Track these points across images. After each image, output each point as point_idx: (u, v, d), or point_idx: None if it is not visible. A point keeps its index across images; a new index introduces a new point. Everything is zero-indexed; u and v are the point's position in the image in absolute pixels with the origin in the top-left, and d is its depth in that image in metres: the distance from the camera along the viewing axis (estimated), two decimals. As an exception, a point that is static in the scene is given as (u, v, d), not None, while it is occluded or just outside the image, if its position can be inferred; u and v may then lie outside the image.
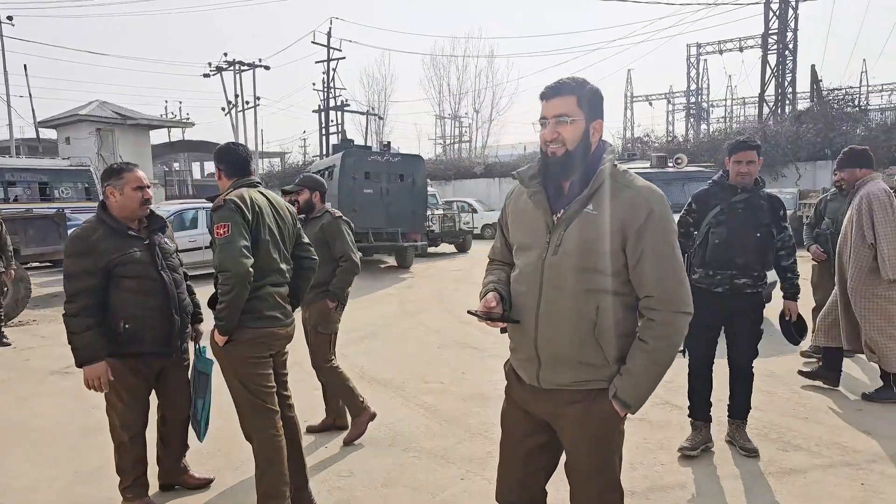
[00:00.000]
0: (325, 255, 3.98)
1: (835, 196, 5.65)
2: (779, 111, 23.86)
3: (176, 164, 44.52)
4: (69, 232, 3.13)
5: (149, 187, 3.10)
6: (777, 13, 23.92)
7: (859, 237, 4.46)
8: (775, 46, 24.50)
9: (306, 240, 3.25)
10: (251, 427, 2.92)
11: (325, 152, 33.98)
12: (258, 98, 33.92)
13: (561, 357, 1.90)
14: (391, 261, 15.01)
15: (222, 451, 3.99)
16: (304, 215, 4.16)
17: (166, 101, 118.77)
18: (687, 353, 3.85)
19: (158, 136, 37.64)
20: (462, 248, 17.60)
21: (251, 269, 2.72)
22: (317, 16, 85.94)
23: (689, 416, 3.88)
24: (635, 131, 38.78)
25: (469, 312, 1.99)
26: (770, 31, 24.48)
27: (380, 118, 38.97)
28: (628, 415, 1.93)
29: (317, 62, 33.59)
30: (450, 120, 44.78)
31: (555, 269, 1.87)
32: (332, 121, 35.13)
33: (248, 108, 33.71)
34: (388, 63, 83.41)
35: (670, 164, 8.47)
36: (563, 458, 2.08)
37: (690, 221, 3.85)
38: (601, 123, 1.90)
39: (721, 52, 37.13)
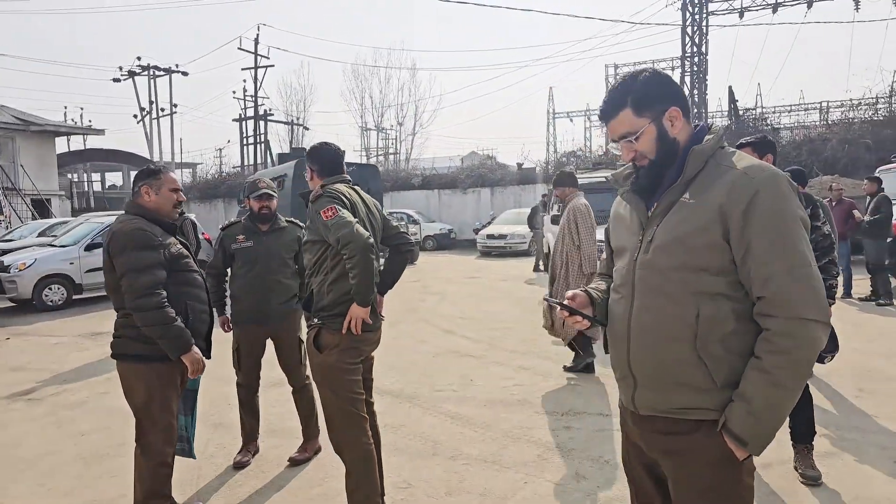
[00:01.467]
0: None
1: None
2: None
3: (73, 175, 41.51)
4: (120, 227, 2.91)
5: (182, 190, 3.10)
6: (693, 38, 25.50)
7: (570, 241, 5.48)
8: (691, 69, 26.09)
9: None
10: (342, 437, 2.80)
11: (254, 162, 32.80)
12: (175, 105, 32.42)
13: (657, 376, 1.60)
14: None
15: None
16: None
17: (66, 107, 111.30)
18: (830, 358, 3.52)
19: (60, 145, 35.17)
20: (411, 260, 17.49)
21: (371, 241, 2.70)
22: (236, 23, 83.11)
23: None
24: (559, 146, 40.11)
25: (546, 299, 1.93)
26: (685, 55, 26.05)
27: (306, 129, 38.16)
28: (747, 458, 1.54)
29: (243, 69, 32.51)
30: (375, 132, 44.62)
31: (647, 269, 1.61)
32: (253, 131, 34.04)
33: (164, 116, 32.16)
34: (307, 73, 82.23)
35: (637, 174, 8.78)
36: None
37: None
38: (677, 110, 1.61)
39: (636, 72, 39.15)
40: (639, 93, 1.62)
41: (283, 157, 16.01)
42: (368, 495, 2.79)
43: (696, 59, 25.84)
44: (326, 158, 2.95)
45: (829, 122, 22.49)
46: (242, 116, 36.15)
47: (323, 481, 3.65)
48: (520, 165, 25.65)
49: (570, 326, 1.80)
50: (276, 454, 4.04)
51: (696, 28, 25.46)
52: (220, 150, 45.80)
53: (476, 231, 20.60)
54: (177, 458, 3.06)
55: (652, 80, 1.63)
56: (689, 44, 25.78)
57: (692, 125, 1.67)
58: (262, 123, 33.55)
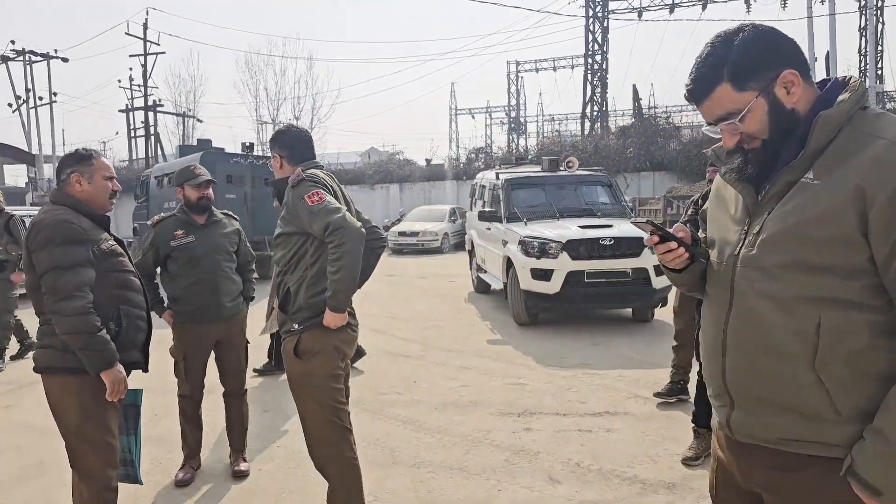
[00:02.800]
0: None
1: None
2: (597, 126, 26.43)
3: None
4: (42, 218, 2.46)
5: (116, 178, 2.72)
6: (597, 37, 26.46)
7: None
8: (592, 67, 27.10)
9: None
10: (327, 453, 2.53)
11: (145, 155, 30.56)
12: (55, 94, 29.69)
13: (759, 397, 1.31)
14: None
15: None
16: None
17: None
18: None
19: None
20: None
21: (364, 231, 2.48)
22: (122, 6, 77.23)
23: (692, 422, 3.80)
24: (461, 143, 40.51)
25: (633, 221, 1.56)
26: (588, 53, 27.02)
27: (199, 121, 36.05)
28: None
29: (131, 55, 30.29)
30: (271, 125, 43.08)
31: (752, 266, 1.30)
32: (142, 122, 31.69)
33: (43, 105, 29.38)
34: (197, 62, 77.93)
35: (562, 168, 8.88)
36: None
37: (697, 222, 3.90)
38: (792, 73, 1.27)
39: (537, 70, 40.28)
40: (737, 61, 1.27)
41: (185, 150, 14.90)
42: None
43: (597, 58, 26.83)
44: (295, 142, 2.67)
45: None
46: (130, 107, 33.70)
47: (280, 496, 3.32)
48: (428, 161, 25.64)
49: (664, 259, 1.46)
50: (224, 468, 3.70)
51: (598, 26, 26.41)
52: (105, 142, 42.52)
53: (386, 228, 20.31)
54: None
55: (754, 40, 1.28)
56: (592, 42, 26.72)
57: (815, 86, 1.33)
58: (151, 115, 31.37)
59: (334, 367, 2.53)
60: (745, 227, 1.35)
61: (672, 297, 5.03)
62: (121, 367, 2.47)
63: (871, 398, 1.20)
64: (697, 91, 1.33)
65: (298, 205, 2.44)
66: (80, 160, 2.58)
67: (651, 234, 1.44)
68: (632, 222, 1.49)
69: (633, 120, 24.57)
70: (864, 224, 1.17)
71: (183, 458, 3.64)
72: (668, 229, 1.46)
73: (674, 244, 1.42)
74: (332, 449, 2.52)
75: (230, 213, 3.87)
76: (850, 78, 1.32)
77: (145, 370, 2.72)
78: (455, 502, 3.24)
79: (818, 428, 1.24)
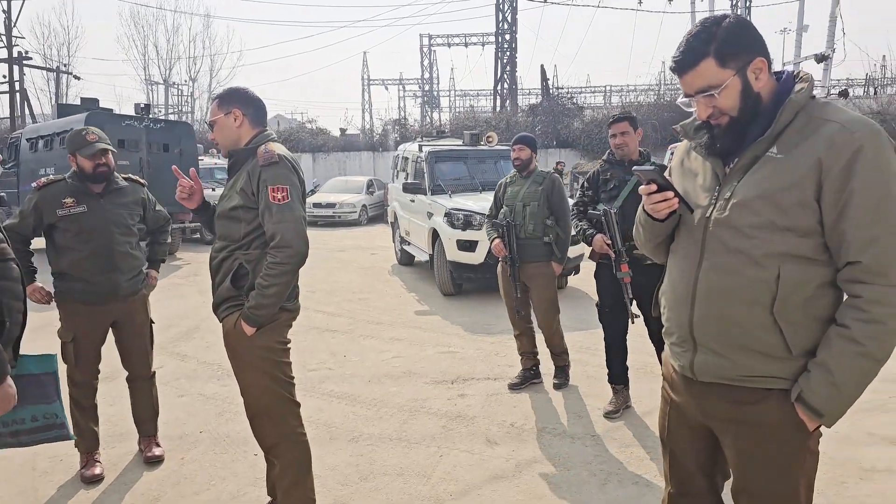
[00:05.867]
0: None
1: (514, 179, 4.60)
2: (507, 104, 26.82)
3: None
4: None
5: None
6: (507, 16, 26.69)
7: None
8: (502, 45, 27.36)
9: None
10: (279, 430, 2.43)
11: (10, 115, 27.19)
12: None
13: (725, 340, 1.49)
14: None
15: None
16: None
17: None
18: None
19: None
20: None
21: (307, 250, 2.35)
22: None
23: (609, 381, 4.04)
24: (374, 114, 39.86)
25: (636, 169, 1.57)
26: (499, 31, 27.24)
27: (76, 78, 32.92)
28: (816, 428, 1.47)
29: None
30: (164, 87, 40.32)
31: (723, 227, 1.47)
32: (4, 77, 27.45)
33: None
34: (71, 12, 71.14)
35: (482, 143, 8.94)
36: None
37: (586, 201, 3.96)
38: (763, 61, 1.45)
39: (449, 45, 40.14)
40: (724, 41, 1.43)
41: (65, 109, 13.39)
42: (307, 492, 2.49)
43: (507, 36, 27.11)
44: (257, 102, 2.46)
45: (624, 105, 25.27)
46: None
47: (210, 484, 3.19)
48: (343, 131, 25.10)
49: (655, 207, 1.55)
50: (137, 459, 3.44)
51: (507, 6, 26.62)
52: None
53: (301, 200, 19.76)
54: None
55: (737, 27, 1.46)
56: (502, 20, 26.93)
57: (774, 76, 1.52)
58: (17, 69, 27.41)
59: (284, 339, 2.46)
60: (716, 194, 1.53)
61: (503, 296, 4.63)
62: (11, 383, 1.96)
63: (814, 338, 1.43)
64: (685, 62, 1.47)
65: (262, 189, 2.28)
66: None
67: (648, 183, 1.54)
68: (635, 170, 1.57)
69: (541, 99, 25.11)
70: (819, 191, 1.39)
71: (81, 454, 3.29)
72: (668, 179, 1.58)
73: (670, 193, 1.53)
74: (284, 425, 2.43)
75: (136, 178, 3.47)
76: (800, 71, 1.53)
77: (13, 366, 2.33)
78: (397, 472, 3.25)
79: (774, 365, 1.45)
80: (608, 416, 3.87)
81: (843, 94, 17.74)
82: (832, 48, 15.81)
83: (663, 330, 1.69)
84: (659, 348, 3.86)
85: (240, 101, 2.42)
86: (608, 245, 3.62)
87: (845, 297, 1.43)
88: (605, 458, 3.32)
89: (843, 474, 3.06)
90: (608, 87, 40.67)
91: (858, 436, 3.47)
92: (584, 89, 32.43)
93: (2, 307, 2.05)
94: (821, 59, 15.96)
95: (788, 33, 30.11)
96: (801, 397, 1.41)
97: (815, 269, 1.42)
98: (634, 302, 3.62)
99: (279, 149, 2.37)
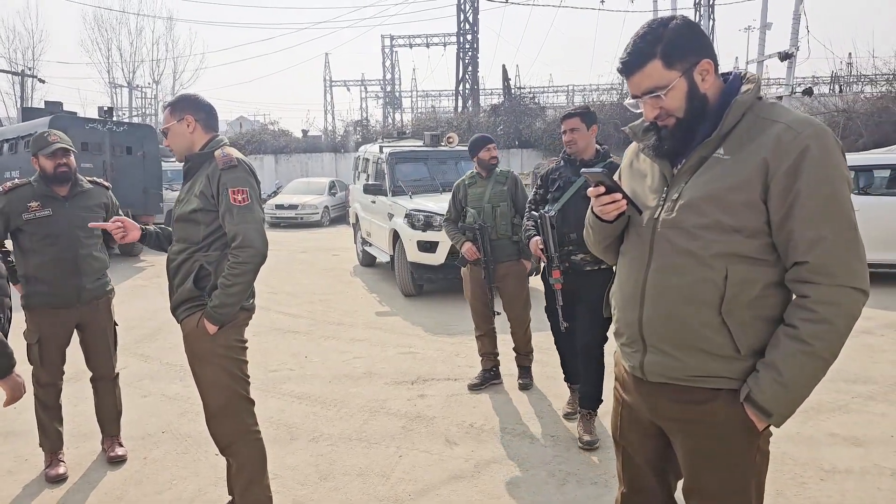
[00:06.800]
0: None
1: (474, 180, 4.55)
2: (469, 104, 26.96)
3: None
4: None
5: None
6: (468, 17, 26.80)
7: None
8: (463, 46, 27.49)
9: None
10: (234, 429, 2.48)
11: None
12: None
13: (673, 341, 1.49)
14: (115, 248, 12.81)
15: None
16: None
17: None
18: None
19: None
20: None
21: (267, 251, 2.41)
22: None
23: (565, 380, 4.03)
24: (337, 115, 39.61)
25: (584, 171, 1.56)
26: (460, 31, 27.36)
27: (41, 81, 32.21)
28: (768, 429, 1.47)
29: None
30: (127, 89, 39.51)
31: (671, 228, 1.48)
32: None
33: None
34: (35, 17, 69.53)
35: (443, 144, 9.01)
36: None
37: (538, 199, 3.81)
38: (709, 62, 1.46)
39: (411, 46, 40.13)
40: (670, 42, 1.44)
41: (29, 113, 13.27)
42: (264, 490, 2.54)
43: (468, 37, 27.25)
44: (209, 107, 2.52)
45: (587, 104, 25.59)
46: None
47: (172, 483, 3.19)
48: (305, 133, 24.88)
49: (604, 209, 1.56)
50: (100, 459, 3.45)
51: (469, 6, 26.75)
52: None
53: (263, 201, 19.54)
54: None
55: (684, 28, 1.46)
56: (463, 21, 27.05)
57: (721, 78, 1.52)
58: None
59: (242, 338, 2.52)
60: (664, 195, 1.53)
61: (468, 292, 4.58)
62: (19, 373, 2.06)
63: (761, 338, 1.43)
64: (632, 63, 1.48)
65: (222, 192, 2.34)
66: None
67: (596, 185, 1.54)
68: (583, 172, 1.57)
69: (503, 99, 25.29)
70: (766, 192, 1.39)
71: (45, 454, 3.31)
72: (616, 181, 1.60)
73: (618, 195, 1.54)
74: (240, 424, 2.48)
75: (101, 180, 3.49)
76: (746, 72, 1.54)
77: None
78: (357, 472, 3.28)
79: (722, 365, 1.45)
80: (567, 417, 3.90)
81: (808, 92, 17.66)
82: (796, 46, 16.06)
83: (613, 331, 1.70)
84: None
85: (191, 108, 2.48)
86: (541, 250, 3.51)
87: (794, 297, 1.44)
88: (565, 459, 3.38)
89: (803, 474, 3.11)
90: (571, 87, 41.29)
91: (820, 436, 3.56)
92: (546, 89, 32.80)
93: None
94: (785, 56, 16.22)
95: (752, 31, 30.75)
96: (749, 397, 1.41)
97: (763, 269, 1.42)
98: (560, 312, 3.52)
99: (235, 153, 2.44)
